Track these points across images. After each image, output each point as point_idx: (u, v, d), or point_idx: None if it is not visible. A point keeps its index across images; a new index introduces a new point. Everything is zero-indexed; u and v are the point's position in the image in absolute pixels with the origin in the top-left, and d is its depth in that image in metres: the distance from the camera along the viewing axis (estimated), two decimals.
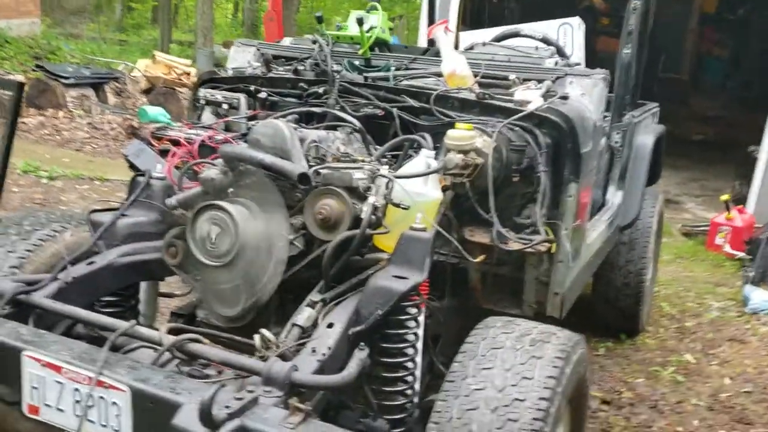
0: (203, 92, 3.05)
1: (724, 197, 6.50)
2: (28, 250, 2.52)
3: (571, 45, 4.54)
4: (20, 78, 9.38)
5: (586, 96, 2.76)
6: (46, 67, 9.76)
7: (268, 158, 2.23)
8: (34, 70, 10.23)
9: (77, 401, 1.76)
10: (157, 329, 2.06)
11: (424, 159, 2.36)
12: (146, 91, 10.55)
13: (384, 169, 2.27)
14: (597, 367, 3.97)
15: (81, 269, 2.26)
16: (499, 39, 3.51)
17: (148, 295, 2.65)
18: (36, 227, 2.60)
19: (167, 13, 20.65)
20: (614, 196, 3.79)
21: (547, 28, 4.52)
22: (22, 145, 7.67)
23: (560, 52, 3.24)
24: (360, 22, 3.00)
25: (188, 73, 10.73)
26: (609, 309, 4.22)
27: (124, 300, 2.52)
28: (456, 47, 3.98)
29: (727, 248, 6.25)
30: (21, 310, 2.06)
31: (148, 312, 2.66)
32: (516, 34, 3.47)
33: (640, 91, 4.35)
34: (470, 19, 11.21)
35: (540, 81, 2.79)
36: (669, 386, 3.82)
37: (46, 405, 1.81)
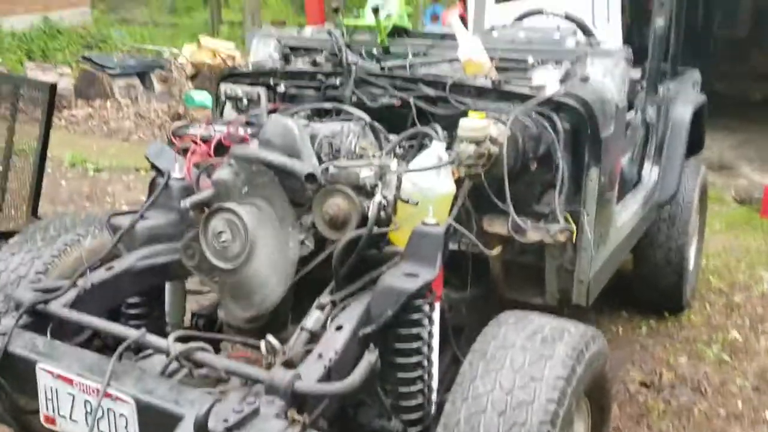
0: (224, 87, 3.07)
1: None
2: (54, 256, 2.58)
3: (606, 14, 4.38)
4: (67, 71, 9.62)
5: (607, 76, 2.66)
6: (92, 59, 9.94)
7: (277, 158, 2.22)
8: (81, 62, 10.44)
9: (88, 412, 1.80)
10: (168, 333, 2.08)
11: (435, 151, 2.32)
12: (192, 77, 10.66)
13: (393, 164, 2.24)
14: (638, 347, 3.87)
15: (100, 275, 2.30)
16: (520, 19, 3.41)
17: (172, 294, 2.68)
18: (61, 232, 2.66)
19: None
20: (650, 173, 3.67)
21: None
22: (70, 138, 7.89)
23: (584, 30, 3.12)
24: (376, 10, 2.95)
25: (233, 57, 10.78)
26: (650, 287, 4.10)
27: (149, 302, 2.56)
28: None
29: None
30: (40, 319, 2.12)
31: (174, 311, 2.68)
32: (539, 12, 3.36)
33: (679, 59, 4.20)
34: None
35: (559, 62, 2.70)
36: (713, 366, 3.70)
37: (61, 416, 1.86)
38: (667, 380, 3.55)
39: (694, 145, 4.24)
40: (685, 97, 4.04)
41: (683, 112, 3.87)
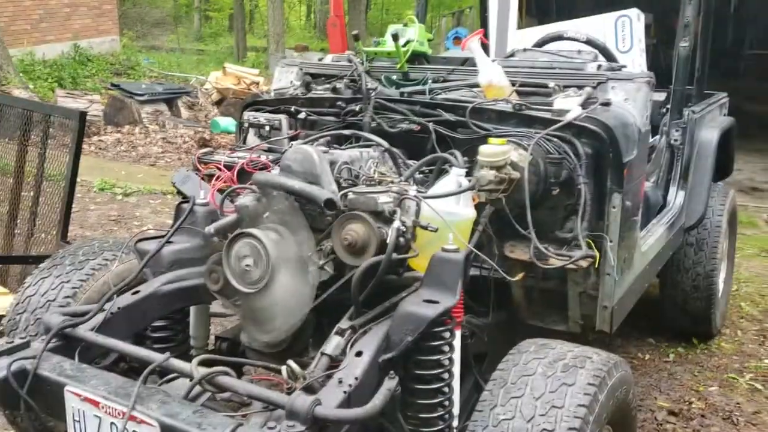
0: (247, 115, 3.12)
1: None
2: (82, 280, 2.63)
3: (629, 38, 4.38)
4: (97, 98, 9.81)
5: (629, 101, 2.66)
6: (121, 86, 10.15)
7: (297, 184, 2.24)
8: (110, 89, 10.65)
9: None
10: (192, 356, 2.10)
11: (455, 177, 2.33)
12: (217, 103, 10.83)
13: (412, 191, 2.25)
14: (666, 375, 3.82)
15: (127, 299, 2.33)
16: (541, 44, 3.42)
17: (197, 318, 2.71)
18: (89, 257, 2.72)
19: (241, 21, 21.18)
20: (676, 197, 3.64)
21: (603, 22, 4.38)
22: (99, 163, 8.03)
23: (606, 54, 3.13)
24: (395, 37, 2.99)
25: (257, 83, 10.94)
26: (678, 313, 4.06)
27: (174, 324, 2.59)
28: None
29: None
30: (68, 342, 2.15)
31: (199, 334, 2.71)
32: (559, 37, 3.37)
33: (706, 82, 4.17)
34: (536, 9, 10.95)
35: (581, 87, 2.70)
36: (745, 395, 3.64)
37: None
38: (697, 409, 3.49)
39: (723, 169, 4.20)
40: (711, 120, 4.02)
41: (709, 135, 3.84)
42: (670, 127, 3.62)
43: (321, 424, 1.73)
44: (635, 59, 4.23)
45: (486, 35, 4.37)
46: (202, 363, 1.98)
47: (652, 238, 3.16)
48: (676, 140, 3.62)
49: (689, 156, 3.71)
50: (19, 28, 13.09)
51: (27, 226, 4.32)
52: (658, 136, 3.73)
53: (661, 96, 3.95)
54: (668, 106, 3.67)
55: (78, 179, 4.30)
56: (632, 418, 2.18)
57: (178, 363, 1.98)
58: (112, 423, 1.84)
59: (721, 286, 4.19)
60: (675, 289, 3.98)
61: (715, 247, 3.96)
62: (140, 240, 2.57)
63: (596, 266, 2.52)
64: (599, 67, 2.87)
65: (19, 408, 1.99)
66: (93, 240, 2.91)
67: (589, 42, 3.25)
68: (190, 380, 1.94)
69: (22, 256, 4.18)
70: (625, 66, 2.99)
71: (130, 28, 22.19)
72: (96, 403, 1.86)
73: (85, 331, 2.15)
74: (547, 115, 2.57)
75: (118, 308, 2.28)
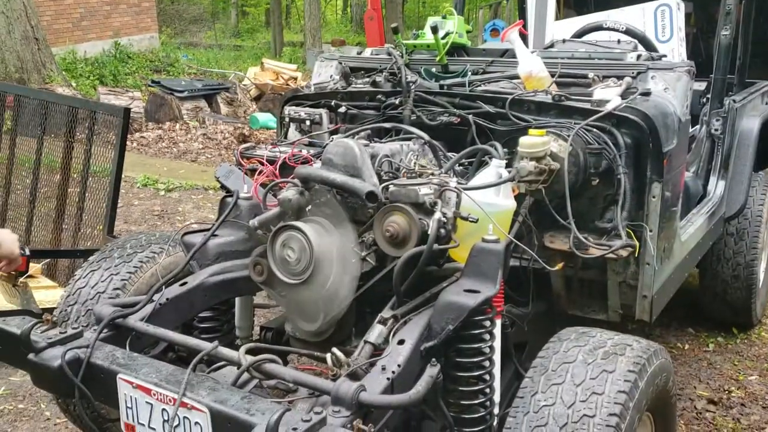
0: (288, 110, 3.17)
1: None
2: (130, 272, 2.71)
3: (669, 28, 4.35)
4: (137, 95, 9.98)
5: (669, 90, 2.65)
6: (161, 83, 10.31)
7: (339, 177, 2.29)
8: (150, 86, 10.83)
9: (165, 421, 1.89)
10: (238, 346, 2.16)
11: (494, 169, 2.36)
12: (256, 99, 10.95)
13: (452, 182, 2.28)
14: (705, 364, 3.80)
15: (174, 290, 2.40)
16: (580, 34, 3.41)
17: (242, 309, 2.77)
18: (137, 250, 2.80)
19: (278, 17, 21.34)
20: (716, 186, 3.61)
21: (643, 12, 4.35)
22: (141, 160, 8.19)
23: (645, 44, 3.11)
24: (435, 29, 3.01)
25: (295, 78, 11.03)
26: (718, 303, 4.03)
27: (219, 315, 2.66)
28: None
29: None
30: (119, 332, 2.23)
31: (244, 325, 2.78)
32: (598, 28, 3.36)
33: (747, 70, 4.12)
34: (574, 1, 10.82)
35: (620, 77, 2.71)
36: None
37: (140, 424, 1.95)
38: (737, 398, 3.48)
39: (764, 158, 4.15)
40: (753, 109, 3.97)
41: (750, 124, 3.80)
42: (710, 116, 3.59)
43: (365, 409, 1.78)
44: (675, 49, 4.20)
45: (525, 27, 4.37)
46: (249, 351, 2.04)
47: (692, 228, 3.15)
48: (716, 130, 3.59)
49: (730, 145, 3.67)
50: (61, 27, 13.37)
51: (74, 222, 4.44)
52: (698, 126, 3.70)
53: (701, 85, 3.92)
54: (709, 95, 3.64)
55: (122, 175, 4.41)
56: (672, 406, 2.18)
57: (226, 351, 2.04)
58: (163, 409, 1.90)
59: (761, 276, 4.15)
60: (715, 279, 3.95)
61: (756, 236, 3.92)
62: (186, 233, 2.64)
63: (636, 256, 2.53)
64: (639, 57, 2.86)
65: (73, 396, 2.06)
66: (140, 234, 2.99)
67: (628, 32, 3.24)
68: (238, 368, 2.00)
69: (71, 250, 4.31)
70: (664, 55, 2.98)
71: (169, 25, 22.50)
72: (148, 391, 1.93)
73: (135, 321, 2.23)
74: (587, 106, 2.57)
75: (167, 299, 2.35)
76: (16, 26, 9.79)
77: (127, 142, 7.24)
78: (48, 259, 4.32)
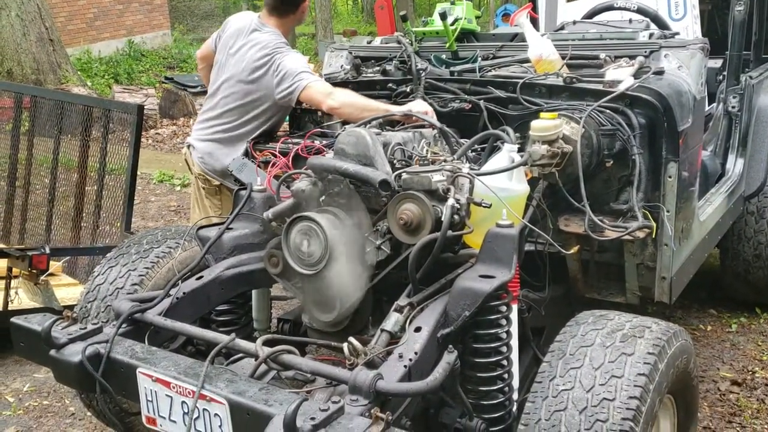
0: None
1: None
2: (147, 268, 2.72)
3: (683, 5, 4.29)
4: (152, 92, 10.02)
5: (683, 68, 2.62)
6: (175, 79, 10.35)
7: (352, 167, 2.28)
8: (164, 83, 10.86)
9: (185, 413, 1.90)
10: (256, 338, 2.16)
11: (507, 153, 2.34)
12: None
13: (465, 168, 2.27)
14: (728, 345, 3.77)
15: (191, 284, 2.41)
16: (591, 15, 3.38)
17: (259, 301, 2.79)
18: (153, 245, 2.81)
19: None
20: (735, 165, 3.57)
21: None
22: (156, 156, 8.23)
23: (657, 22, 3.07)
24: (443, 15, 2.99)
25: None
26: (739, 282, 3.98)
27: (237, 308, 2.67)
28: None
29: None
30: (138, 327, 2.24)
31: (261, 317, 2.79)
32: (609, 8, 3.32)
33: (763, 45, 4.07)
34: None
35: (633, 57, 2.67)
36: None
37: (161, 416, 1.97)
38: (761, 378, 3.44)
39: None
40: None
41: None
42: (727, 94, 3.55)
43: (383, 397, 1.78)
44: (689, 26, 4.15)
45: (535, 10, 4.33)
46: (266, 343, 2.04)
47: (710, 208, 3.11)
48: (733, 107, 3.54)
49: (748, 123, 3.62)
50: (75, 28, 13.46)
51: (92, 219, 4.48)
52: (715, 104, 3.66)
53: (717, 63, 3.86)
54: (725, 72, 3.59)
55: (138, 172, 4.44)
56: (693, 388, 2.16)
57: (243, 343, 2.05)
58: (183, 402, 1.91)
59: None
60: (736, 258, 3.90)
61: None
62: (201, 227, 2.65)
63: (653, 237, 2.51)
64: (651, 35, 2.83)
65: (94, 390, 2.08)
66: (156, 229, 3.00)
67: (640, 11, 3.20)
68: (255, 359, 2.01)
69: (89, 247, 4.34)
70: (677, 33, 2.94)
71: (181, 21, 22.51)
72: (167, 384, 1.94)
73: (153, 315, 2.24)
74: (599, 87, 2.55)
75: (183, 293, 2.36)
76: (31, 28, 9.86)
77: (143, 139, 7.32)
78: (68, 257, 4.36)
